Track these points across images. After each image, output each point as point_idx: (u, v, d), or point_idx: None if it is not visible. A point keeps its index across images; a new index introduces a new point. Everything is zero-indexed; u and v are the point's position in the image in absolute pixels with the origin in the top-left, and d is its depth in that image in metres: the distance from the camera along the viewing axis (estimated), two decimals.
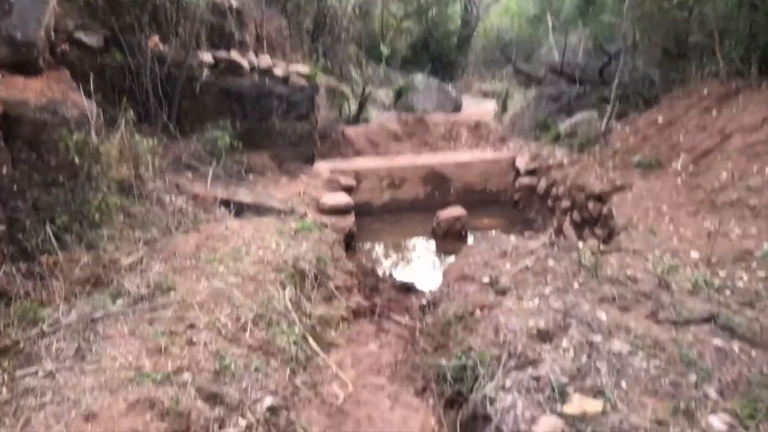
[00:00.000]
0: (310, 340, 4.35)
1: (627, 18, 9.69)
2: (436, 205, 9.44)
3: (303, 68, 9.46)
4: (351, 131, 11.62)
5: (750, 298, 4.23)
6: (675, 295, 4.25)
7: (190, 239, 5.34)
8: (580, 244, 5.71)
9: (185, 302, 4.07)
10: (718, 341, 3.58)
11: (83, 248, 4.68)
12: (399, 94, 15.20)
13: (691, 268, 4.86)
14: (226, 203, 6.85)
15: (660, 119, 8.84)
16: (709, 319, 3.81)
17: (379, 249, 8.64)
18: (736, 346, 3.52)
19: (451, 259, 6.61)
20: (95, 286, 4.33)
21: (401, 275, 7.13)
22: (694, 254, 5.19)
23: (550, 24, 16.07)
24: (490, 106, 15.00)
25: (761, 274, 4.66)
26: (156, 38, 7.76)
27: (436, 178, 10.55)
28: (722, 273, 4.72)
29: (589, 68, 12.82)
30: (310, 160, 9.47)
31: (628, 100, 10.46)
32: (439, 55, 21.93)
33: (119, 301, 4.08)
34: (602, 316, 3.95)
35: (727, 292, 4.36)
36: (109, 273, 4.47)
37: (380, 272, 6.95)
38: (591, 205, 7.90)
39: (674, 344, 3.55)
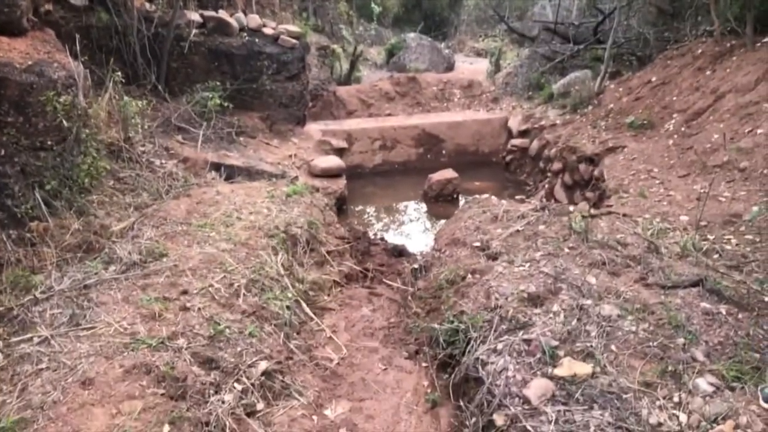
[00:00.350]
0: (303, 305, 4.40)
1: None
2: (428, 167, 9.42)
3: (293, 27, 9.28)
4: (343, 91, 11.48)
5: (737, 262, 4.29)
6: (664, 259, 4.30)
7: (181, 204, 5.32)
8: (571, 207, 5.73)
9: (178, 268, 4.08)
10: (705, 304, 3.64)
11: (73, 214, 4.66)
12: (391, 54, 14.99)
13: (681, 231, 4.90)
14: (216, 167, 6.80)
15: (653, 79, 8.79)
16: (698, 282, 3.86)
17: (371, 212, 8.65)
18: (723, 309, 3.58)
19: (443, 222, 6.63)
20: (87, 252, 4.33)
21: (393, 239, 7.16)
22: (684, 218, 5.23)
23: None
24: (482, 66, 14.83)
25: (749, 237, 4.71)
26: None
27: (428, 140, 10.50)
28: (711, 236, 4.76)
29: (583, 27, 12.65)
30: (301, 122, 9.38)
31: (622, 60, 10.38)
32: (432, 14, 21.59)
33: (111, 268, 4.08)
34: (592, 280, 4.00)
35: (716, 256, 4.41)
36: (100, 239, 4.46)
37: (372, 236, 6.97)
38: (582, 167, 7.90)
39: (663, 308, 3.61)
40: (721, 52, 8.01)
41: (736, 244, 4.61)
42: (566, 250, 4.53)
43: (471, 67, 15.31)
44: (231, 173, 6.81)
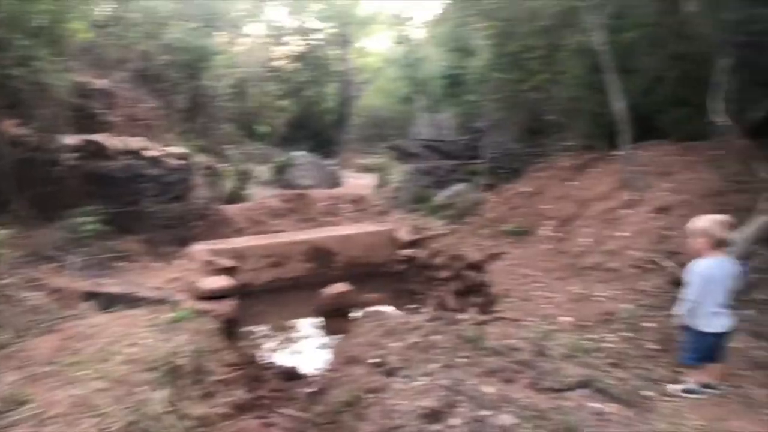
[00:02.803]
0: None
1: (489, 98, 10.48)
2: (321, 282, 9.33)
3: (177, 148, 9.24)
4: (231, 210, 11.37)
5: (618, 359, 4.50)
6: (553, 362, 4.43)
7: (48, 341, 4.84)
8: (462, 315, 5.84)
9: (42, 416, 3.64)
10: (595, 405, 3.74)
11: None
12: (279, 171, 15.22)
13: (565, 332, 5.11)
14: (92, 296, 6.34)
15: (526, 190, 9.50)
16: (586, 383, 3.98)
17: (262, 333, 8.33)
18: (612, 407, 3.69)
19: (339, 338, 6.50)
20: None
21: (287, 360, 6.88)
22: (566, 318, 5.48)
23: (420, 103, 17.01)
24: (369, 181, 15.38)
25: (624, 334, 4.99)
26: (11, 122, 7.28)
27: (319, 254, 10.49)
28: (592, 335, 5.00)
29: (460, 144, 13.62)
30: (186, 243, 9.10)
31: (497, 173, 11.17)
32: (318, 132, 22.43)
33: None
34: (488, 389, 4.01)
35: (598, 354, 4.61)
36: None
37: (264, 360, 6.68)
38: (469, 274, 8.18)
39: (557, 412, 3.66)
40: (581, 165, 8.87)
41: (615, 342, 4.86)
42: (461, 359, 4.55)
43: (359, 183, 15.84)
44: (108, 302, 6.36)
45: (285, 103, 23.14)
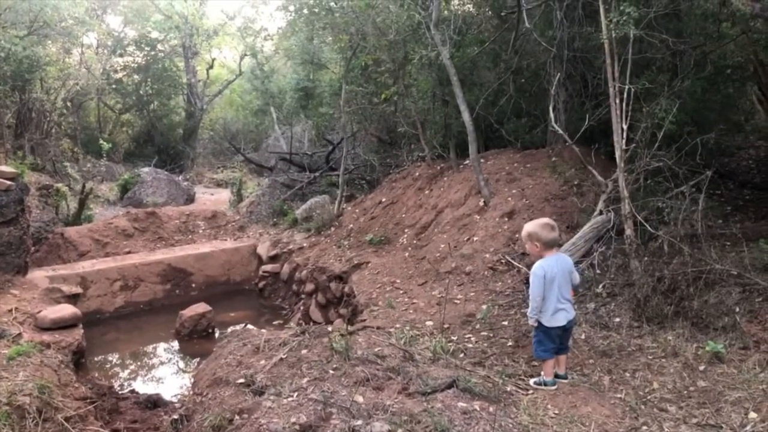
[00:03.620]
0: None
1: (343, 111, 10.63)
2: (178, 303, 8.88)
3: (6, 168, 8.30)
4: (72, 232, 10.44)
5: (479, 358, 4.75)
6: (420, 366, 4.55)
7: None
8: (329, 327, 5.84)
9: None
10: (462, 404, 3.89)
11: None
12: (125, 189, 14.27)
13: (429, 336, 5.29)
14: None
15: (384, 200, 9.74)
16: (452, 384, 4.14)
17: (116, 362, 7.72)
18: (477, 405, 3.87)
19: (201, 361, 6.20)
20: None
21: (146, 388, 6.43)
22: (429, 322, 5.68)
23: (274, 116, 16.83)
24: (225, 196, 14.90)
25: (484, 333, 5.28)
26: None
27: (175, 274, 9.96)
28: (454, 337, 5.22)
29: (316, 156, 13.67)
30: (22, 270, 8.18)
31: (355, 184, 11.35)
32: (166, 147, 21.37)
33: None
34: (360, 399, 4.02)
35: (461, 355, 4.83)
36: None
37: (120, 389, 6.18)
38: (333, 285, 8.21)
39: (427, 414, 3.76)
40: (435, 174, 9.28)
41: (476, 342, 5.12)
42: (331, 371, 4.53)
43: (213, 198, 15.29)
44: None
45: (128, 116, 21.77)
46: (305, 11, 11.10)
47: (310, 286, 8.75)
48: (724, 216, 6.74)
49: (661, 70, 6.87)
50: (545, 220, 4.31)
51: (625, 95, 5.72)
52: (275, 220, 11.84)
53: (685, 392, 4.10)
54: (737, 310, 4.99)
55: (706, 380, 4.22)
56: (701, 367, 4.39)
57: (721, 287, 5.19)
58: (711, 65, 7.03)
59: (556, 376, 4.31)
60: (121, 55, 21.22)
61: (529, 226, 4.23)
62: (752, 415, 3.72)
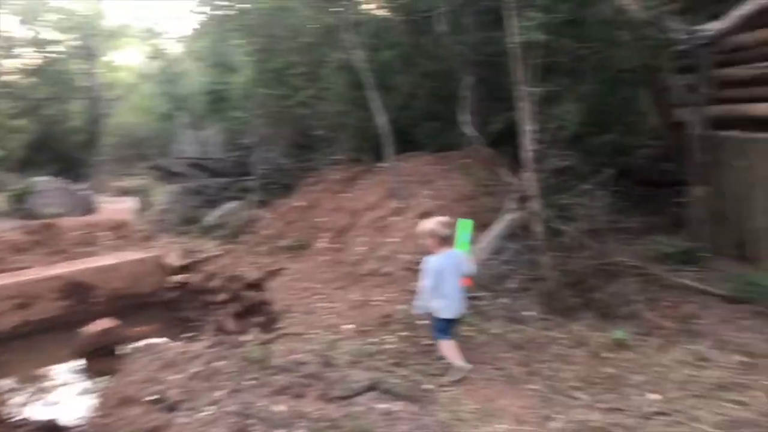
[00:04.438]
0: None
1: (255, 114, 10.39)
2: (81, 320, 8.30)
3: None
4: None
5: (399, 358, 4.75)
6: (340, 370, 4.49)
7: None
8: (245, 337, 5.66)
9: None
10: (384, 405, 3.88)
11: None
12: (18, 200, 13.29)
13: (349, 339, 5.24)
14: None
15: (300, 204, 9.60)
16: (372, 386, 4.11)
17: (10, 386, 7.12)
18: (398, 406, 3.86)
19: (107, 379, 5.83)
20: None
21: (44, 414, 5.96)
22: (349, 326, 5.62)
23: (182, 120, 16.26)
24: (130, 204, 14.21)
25: (403, 333, 5.29)
26: None
27: (76, 289, 9.32)
28: (373, 339, 5.20)
29: (228, 161, 13.29)
30: None
31: (270, 189, 11.12)
32: (64, 155, 20.18)
33: None
34: (279, 408, 3.92)
35: (382, 356, 4.81)
36: None
37: (15, 416, 5.70)
38: (249, 293, 8.00)
39: (348, 419, 3.71)
40: (351, 177, 9.26)
41: (395, 342, 5.12)
42: (248, 382, 4.38)
43: (117, 207, 14.54)
44: None
45: (21, 122, 20.36)
46: (217, 12, 10.77)
47: (224, 296, 8.48)
48: (624, 211, 7.13)
49: (564, 74, 7.19)
50: (443, 218, 4.72)
51: (533, 98, 5.93)
52: (185, 228, 11.39)
53: (593, 379, 4.29)
54: (637, 299, 5.29)
55: (612, 366, 4.44)
56: (606, 355, 4.62)
57: (622, 278, 5.48)
58: (610, 69, 7.43)
59: (438, 358, 4.61)
60: (14, 57, 19.83)
61: (429, 223, 4.62)
62: (653, 396, 3.95)
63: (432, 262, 4.47)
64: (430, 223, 4.59)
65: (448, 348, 4.50)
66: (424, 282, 4.50)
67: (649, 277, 5.56)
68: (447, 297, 4.46)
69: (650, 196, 8.50)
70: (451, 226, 4.62)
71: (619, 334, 4.74)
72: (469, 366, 4.40)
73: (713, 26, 4.78)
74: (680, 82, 6.19)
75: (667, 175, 9.06)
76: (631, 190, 8.52)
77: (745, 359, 4.36)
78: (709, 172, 6.29)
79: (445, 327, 4.53)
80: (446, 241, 4.52)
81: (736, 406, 3.73)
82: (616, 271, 5.51)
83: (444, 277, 4.43)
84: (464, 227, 4.83)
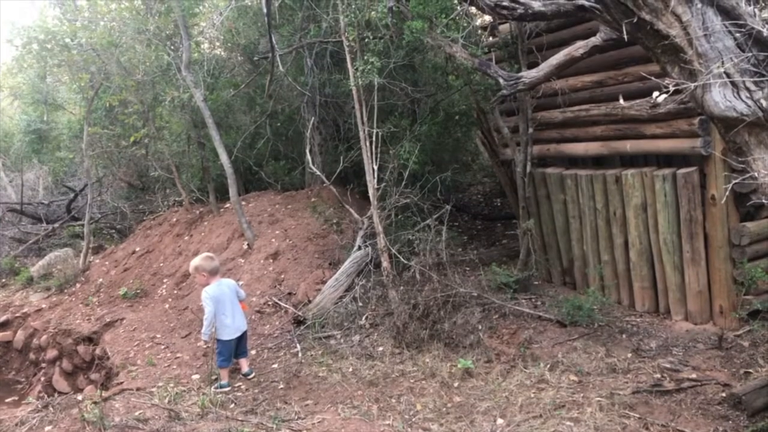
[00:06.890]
0: None
1: (86, 155, 9.67)
2: None
3: None
4: None
5: (251, 405, 4.61)
6: (188, 424, 4.25)
7: None
8: (79, 396, 5.16)
9: None
10: None
11: None
12: None
13: (196, 390, 4.98)
14: None
15: (138, 249, 9.02)
16: None
17: None
18: None
19: None
20: None
21: None
22: (195, 376, 5.36)
23: None
24: None
25: (254, 380, 5.15)
26: None
27: None
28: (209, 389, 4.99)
29: (55, 205, 12.19)
30: None
31: (103, 234, 10.35)
32: None
33: None
34: None
35: (232, 405, 4.63)
36: None
37: None
38: (82, 349, 7.30)
39: None
40: (194, 219, 8.89)
41: (246, 389, 4.97)
42: None
43: None
44: None
45: None
46: (35, 46, 9.91)
47: (52, 353, 7.66)
48: (463, 244, 7.60)
49: (402, 115, 7.59)
50: (206, 253, 5.40)
51: (374, 138, 6.18)
52: (4, 280, 10.20)
53: (444, 409, 4.46)
54: (480, 327, 5.62)
55: (461, 395, 4.65)
56: (456, 384, 4.83)
57: (465, 308, 5.80)
58: (443, 112, 7.98)
59: (244, 374, 5.19)
60: None
61: (194, 261, 5.20)
62: (499, 421, 4.19)
63: (209, 292, 4.98)
64: (196, 261, 5.17)
65: (224, 372, 5.05)
66: (206, 310, 4.95)
67: (490, 306, 5.93)
68: (227, 320, 5.01)
69: (486, 229, 9.15)
70: (215, 259, 5.25)
71: (465, 362, 4.98)
72: (229, 388, 4.95)
73: (530, 74, 5.32)
74: (506, 124, 6.79)
75: (500, 210, 9.87)
76: (468, 225, 9.13)
77: (577, 378, 4.78)
78: (535, 206, 6.91)
79: (229, 350, 5.06)
80: (213, 272, 5.09)
81: (572, 424, 4.07)
82: (460, 302, 5.80)
83: (221, 304, 4.98)
84: None
